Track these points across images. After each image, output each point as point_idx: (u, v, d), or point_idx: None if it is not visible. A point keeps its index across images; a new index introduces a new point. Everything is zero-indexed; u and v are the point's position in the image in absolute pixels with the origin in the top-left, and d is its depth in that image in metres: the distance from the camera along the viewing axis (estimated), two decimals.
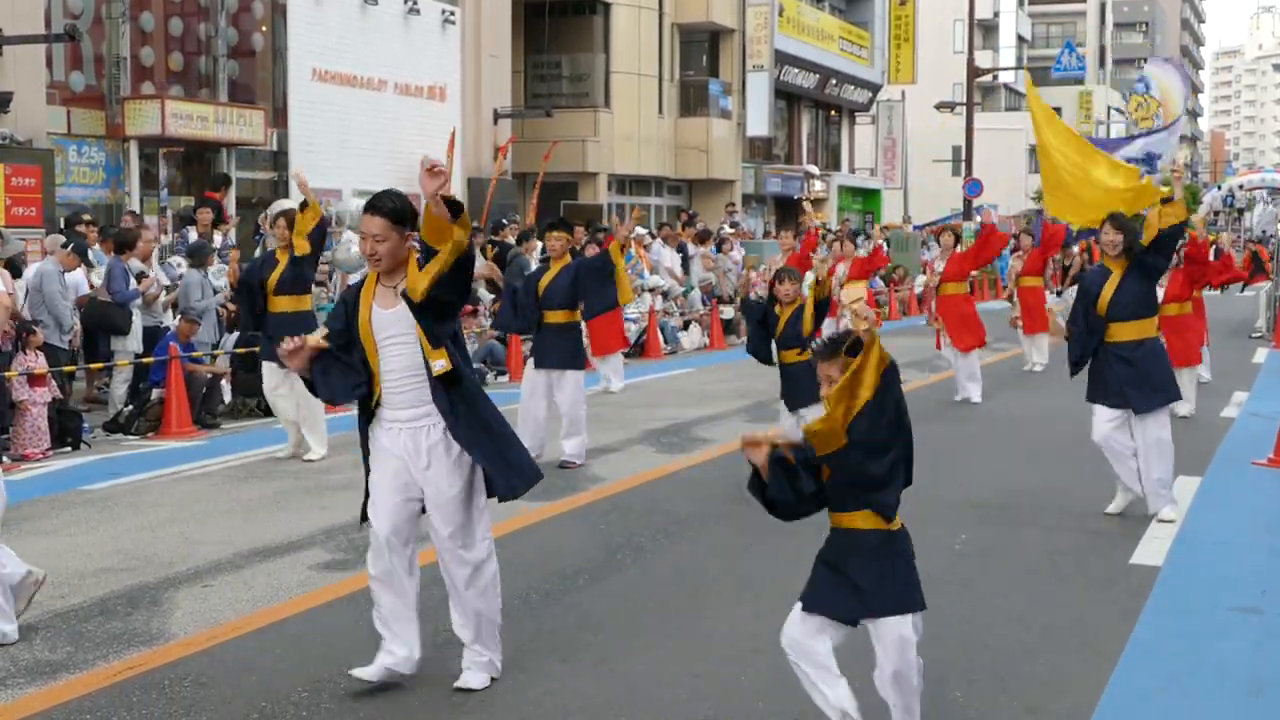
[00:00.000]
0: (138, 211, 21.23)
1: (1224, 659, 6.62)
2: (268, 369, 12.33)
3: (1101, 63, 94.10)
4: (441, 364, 5.96)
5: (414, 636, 6.14)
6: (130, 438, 13.80)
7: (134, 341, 14.98)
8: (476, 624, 6.15)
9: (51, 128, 19.88)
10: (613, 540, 9.10)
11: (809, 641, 5.22)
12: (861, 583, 5.14)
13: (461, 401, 6.02)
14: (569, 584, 7.97)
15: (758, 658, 6.17)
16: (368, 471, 6.19)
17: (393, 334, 6.01)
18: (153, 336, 15.11)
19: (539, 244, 18.97)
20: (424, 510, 6.13)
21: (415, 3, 27.36)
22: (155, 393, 14.19)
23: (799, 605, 5.27)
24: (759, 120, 40.07)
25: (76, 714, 5.81)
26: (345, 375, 6.11)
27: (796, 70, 42.59)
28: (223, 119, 22.46)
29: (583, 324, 12.70)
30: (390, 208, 5.95)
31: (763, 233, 37.95)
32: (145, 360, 14.63)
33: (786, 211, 44.67)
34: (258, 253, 16.21)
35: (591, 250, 17.44)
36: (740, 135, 39.96)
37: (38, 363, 12.87)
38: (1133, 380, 9.53)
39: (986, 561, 8.62)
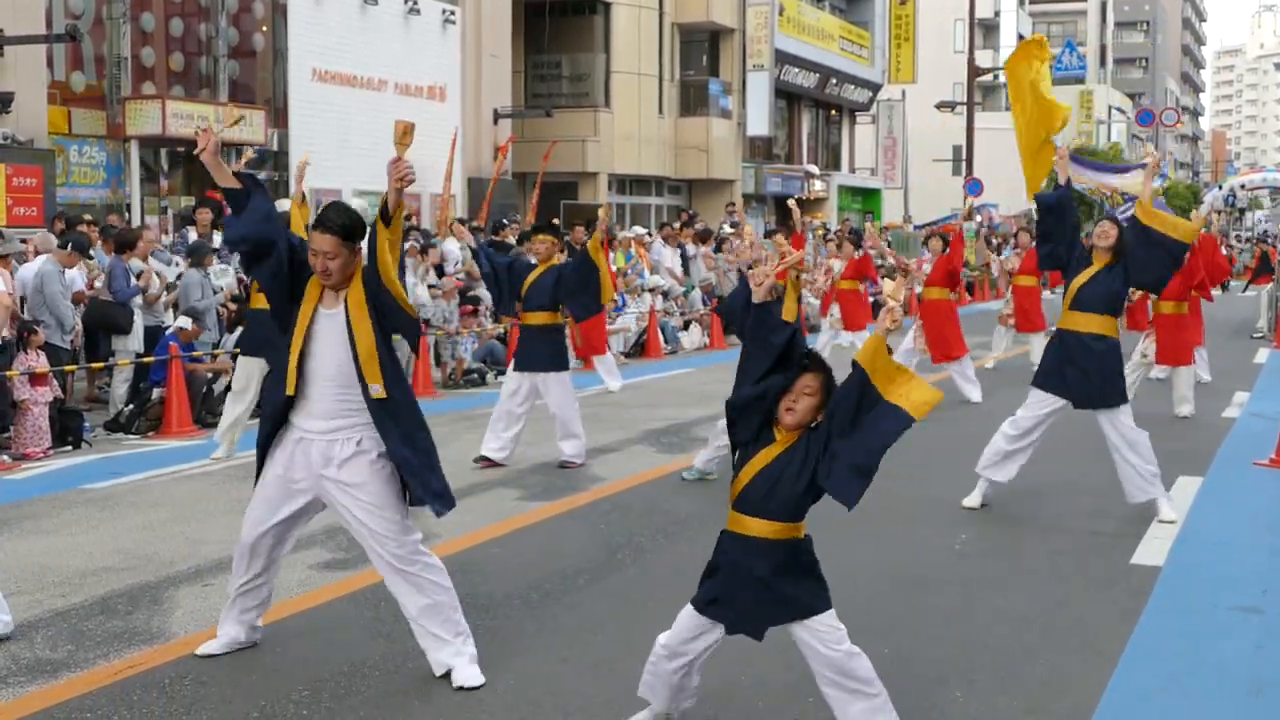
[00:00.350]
0: (138, 211, 21.26)
1: (1224, 659, 6.62)
2: (244, 364, 12.30)
3: (1102, 62, 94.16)
4: (377, 389, 6.02)
5: (236, 631, 6.59)
6: (131, 437, 13.81)
7: (135, 341, 14.98)
8: (432, 616, 6.16)
9: (52, 128, 19.89)
10: (613, 540, 9.11)
11: (690, 649, 5.32)
12: (783, 591, 5.14)
13: (391, 419, 6.08)
14: (569, 584, 7.97)
15: (758, 658, 6.17)
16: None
17: (329, 337, 6.06)
18: (153, 336, 15.12)
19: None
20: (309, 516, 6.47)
21: (415, 3, 27.38)
22: (156, 392, 14.20)
23: (691, 612, 5.31)
24: (759, 120, 40.08)
25: (77, 712, 5.82)
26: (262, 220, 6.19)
27: (797, 70, 42.58)
28: (223, 119, 22.47)
29: (565, 325, 12.52)
30: (340, 224, 5.97)
31: (764, 233, 37.89)
32: (146, 360, 14.64)
33: (787, 211, 44.56)
34: None
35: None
36: (740, 135, 39.96)
37: (39, 362, 12.88)
38: (1083, 376, 9.56)
39: (986, 561, 8.63)
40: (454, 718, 5.80)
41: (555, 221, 14.76)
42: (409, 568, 6.14)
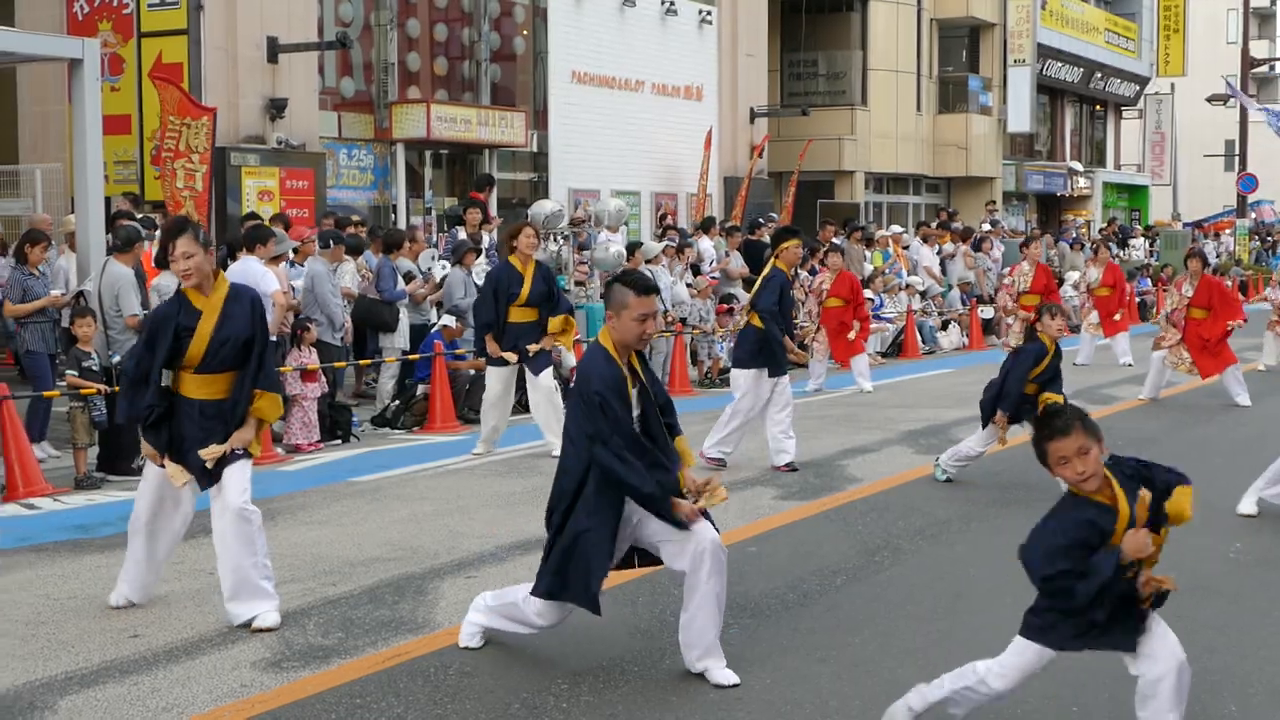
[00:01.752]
0: (404, 212, 21.88)
1: None
2: (494, 375, 12.45)
3: None
4: None
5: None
6: (397, 432, 14.22)
7: (401, 339, 15.42)
8: (697, 615, 6.15)
9: (323, 132, 20.59)
10: (870, 541, 9.00)
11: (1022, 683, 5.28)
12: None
13: None
14: (827, 584, 7.90)
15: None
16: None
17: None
18: (418, 334, 15.54)
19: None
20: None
21: (673, 4, 27.54)
22: (420, 389, 14.60)
23: (1026, 643, 5.21)
24: (1020, 116, 39.19)
25: (347, 698, 5.99)
26: None
27: (1060, 64, 41.59)
28: (485, 121, 22.95)
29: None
30: None
31: (1026, 228, 37.10)
32: (411, 357, 15.07)
33: (1049, 209, 43.64)
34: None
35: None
36: (1001, 131, 39.19)
37: (310, 358, 13.35)
38: None
39: (1261, 571, 8.27)
40: (712, 714, 5.80)
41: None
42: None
